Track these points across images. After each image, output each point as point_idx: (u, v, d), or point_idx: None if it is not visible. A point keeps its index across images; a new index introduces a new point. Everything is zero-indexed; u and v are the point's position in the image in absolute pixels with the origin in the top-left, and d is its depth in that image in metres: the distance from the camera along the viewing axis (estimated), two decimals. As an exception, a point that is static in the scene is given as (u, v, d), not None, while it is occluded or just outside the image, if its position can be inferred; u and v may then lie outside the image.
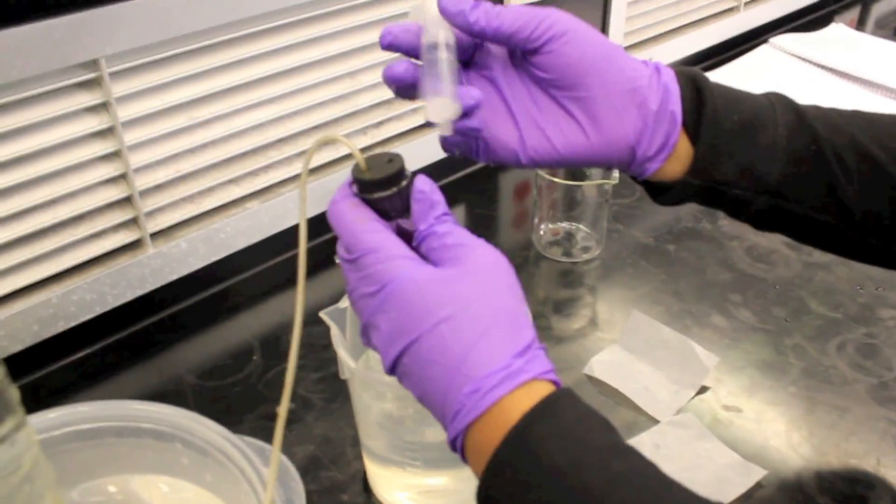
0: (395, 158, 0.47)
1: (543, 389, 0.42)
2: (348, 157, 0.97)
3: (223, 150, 0.87)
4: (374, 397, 0.63)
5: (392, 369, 0.45)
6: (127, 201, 0.82)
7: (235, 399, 0.79)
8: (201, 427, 0.56)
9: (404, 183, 0.46)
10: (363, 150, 0.48)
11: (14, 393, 0.44)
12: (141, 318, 0.87)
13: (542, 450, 0.40)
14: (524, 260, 0.99)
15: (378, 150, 0.50)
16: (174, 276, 0.87)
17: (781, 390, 0.80)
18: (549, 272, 0.97)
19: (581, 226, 1.00)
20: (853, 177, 0.55)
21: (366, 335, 0.46)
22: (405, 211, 0.47)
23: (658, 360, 0.82)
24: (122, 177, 0.80)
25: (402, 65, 0.51)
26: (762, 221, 0.58)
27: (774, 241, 1.00)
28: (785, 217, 0.57)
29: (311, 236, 1.03)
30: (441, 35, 0.49)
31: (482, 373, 0.42)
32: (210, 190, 0.88)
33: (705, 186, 0.55)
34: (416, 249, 0.46)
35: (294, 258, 1.04)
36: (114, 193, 0.80)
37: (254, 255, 0.94)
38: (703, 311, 0.90)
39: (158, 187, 0.84)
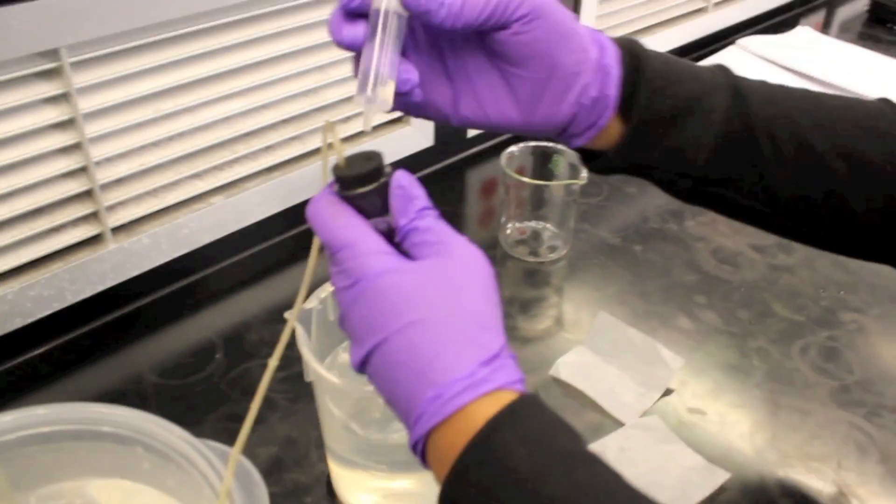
0: (374, 156, 0.46)
1: (509, 397, 0.42)
2: (317, 151, 0.96)
3: (189, 144, 0.85)
4: (338, 400, 0.62)
5: (361, 367, 0.44)
6: (87, 195, 0.80)
7: (197, 399, 0.78)
8: (163, 431, 0.55)
9: (383, 179, 0.46)
10: (331, 146, 0.47)
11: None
12: (101, 314, 0.85)
13: (506, 456, 0.40)
14: (490, 259, 0.98)
15: (350, 148, 0.49)
16: (135, 272, 0.85)
17: (746, 393, 0.81)
18: (515, 272, 0.97)
19: (548, 225, 1.00)
20: (787, 165, 0.54)
21: (342, 324, 0.46)
22: (387, 208, 0.46)
23: (624, 361, 0.82)
24: (83, 170, 0.78)
25: (348, 28, 0.48)
26: (690, 198, 0.57)
27: (740, 244, 1.01)
28: (711, 198, 0.56)
29: (277, 231, 1.04)
30: (391, 2, 0.47)
31: (446, 379, 0.41)
32: (174, 184, 0.86)
33: (631, 164, 0.55)
34: (398, 246, 0.46)
35: (260, 254, 1.04)
36: (73, 187, 0.78)
37: (218, 251, 0.92)
38: (668, 312, 0.90)
39: (120, 181, 0.82)
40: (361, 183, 0.46)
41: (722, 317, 0.90)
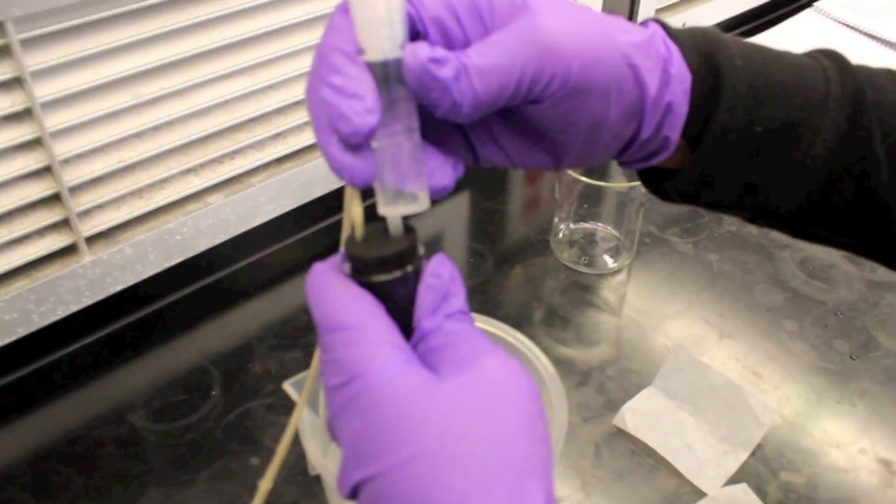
0: (408, 231, 0.34)
1: None
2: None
3: (179, 134, 0.71)
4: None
5: (350, 496, 0.32)
6: (54, 199, 0.66)
7: (188, 449, 0.65)
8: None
9: (414, 265, 0.33)
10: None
11: None
12: (75, 339, 0.72)
13: None
14: (537, 268, 0.84)
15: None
16: (117, 288, 0.71)
17: (851, 451, 0.66)
18: (566, 285, 0.82)
19: (609, 228, 0.84)
20: None
21: (331, 432, 0.33)
22: (412, 304, 0.33)
23: (703, 410, 0.68)
24: (47, 170, 0.64)
25: (356, 160, 0.33)
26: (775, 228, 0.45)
27: (833, 254, 0.85)
28: (805, 234, 0.44)
29: (288, 233, 0.88)
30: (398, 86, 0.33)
31: None
32: (162, 182, 0.72)
33: (686, 196, 0.42)
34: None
35: (267, 260, 0.89)
36: (37, 190, 0.64)
37: (217, 259, 0.78)
38: (752, 342, 0.75)
39: (95, 181, 0.67)
40: (382, 268, 0.32)
41: (816, 348, 0.75)
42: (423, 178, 0.33)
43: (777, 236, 0.87)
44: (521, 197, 0.95)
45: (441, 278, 0.33)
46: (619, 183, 0.81)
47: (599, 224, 0.85)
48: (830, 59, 0.41)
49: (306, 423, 0.46)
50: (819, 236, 0.44)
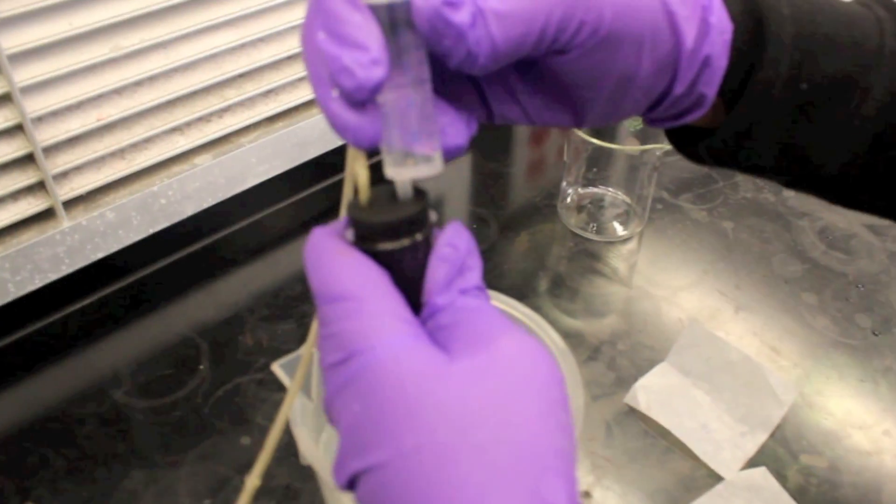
0: (418, 195, 0.30)
1: None
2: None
3: (162, 90, 0.66)
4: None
5: (347, 486, 0.29)
6: (28, 159, 0.61)
7: (174, 428, 0.61)
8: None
9: (424, 233, 0.29)
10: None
11: None
12: (53, 309, 0.68)
13: None
14: (543, 235, 0.79)
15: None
16: (99, 255, 0.67)
17: (877, 435, 0.63)
18: (573, 253, 0.78)
19: (619, 193, 0.80)
20: None
21: (328, 415, 0.30)
22: (422, 275, 0.30)
23: (720, 388, 0.64)
24: (18, 128, 0.59)
25: (360, 118, 0.29)
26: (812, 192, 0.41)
27: (853, 223, 0.81)
28: (845, 200, 0.40)
29: (280, 196, 0.83)
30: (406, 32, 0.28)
31: None
32: (145, 142, 0.67)
33: (720, 159, 0.38)
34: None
35: (257, 225, 0.84)
36: (7, 150, 0.59)
37: (205, 224, 0.74)
38: (769, 315, 0.72)
39: (72, 141, 0.63)
40: (389, 235, 0.29)
41: (837, 323, 0.71)
42: (436, 136, 0.29)
43: (795, 203, 0.83)
44: (525, 158, 0.90)
45: (457, 249, 0.29)
46: (631, 146, 0.77)
47: (609, 189, 0.81)
48: (886, 9, 0.37)
49: (297, 408, 0.42)
50: (859, 202, 0.40)
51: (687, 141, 0.39)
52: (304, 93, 0.75)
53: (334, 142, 0.78)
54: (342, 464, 0.28)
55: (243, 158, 0.73)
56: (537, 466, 0.27)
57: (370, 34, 0.27)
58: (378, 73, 0.27)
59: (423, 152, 0.28)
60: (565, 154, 0.80)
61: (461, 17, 0.27)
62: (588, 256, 0.77)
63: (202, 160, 0.71)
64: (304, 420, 0.42)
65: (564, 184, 0.80)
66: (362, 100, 0.27)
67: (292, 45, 0.72)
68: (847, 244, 0.79)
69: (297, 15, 0.71)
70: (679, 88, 0.34)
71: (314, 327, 0.33)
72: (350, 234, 0.30)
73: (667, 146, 0.72)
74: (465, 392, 0.27)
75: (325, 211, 0.81)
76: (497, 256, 0.76)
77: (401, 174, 0.29)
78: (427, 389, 0.27)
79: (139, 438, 0.60)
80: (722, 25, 0.34)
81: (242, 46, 0.69)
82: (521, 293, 0.72)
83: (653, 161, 0.75)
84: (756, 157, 0.37)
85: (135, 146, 0.67)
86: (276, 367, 0.43)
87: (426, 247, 0.29)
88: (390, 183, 0.29)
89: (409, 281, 0.29)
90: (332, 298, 0.28)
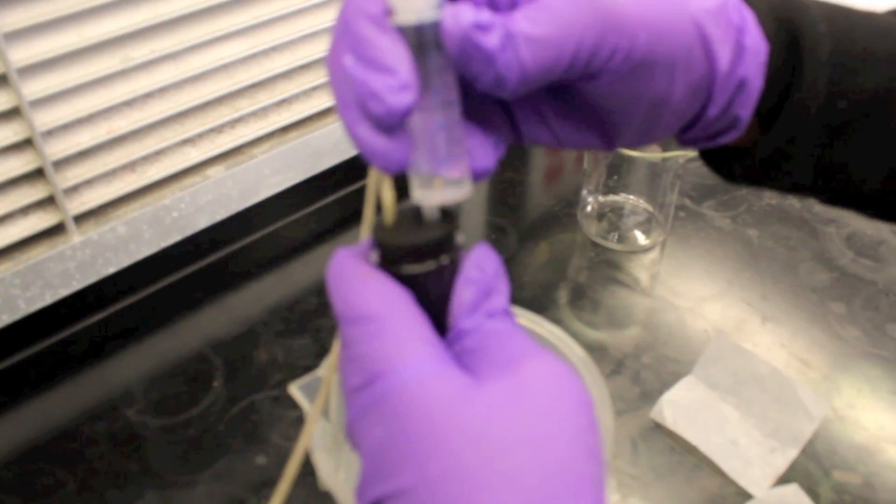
0: (448, 216, 0.29)
1: None
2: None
3: (173, 102, 0.64)
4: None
5: None
6: (37, 174, 0.60)
7: (189, 445, 0.60)
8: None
9: (451, 256, 0.28)
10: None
11: None
12: (64, 326, 0.67)
13: None
14: (563, 245, 0.78)
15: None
16: (110, 270, 0.66)
17: (912, 451, 0.61)
18: (595, 263, 0.76)
19: (641, 201, 0.78)
20: None
21: (350, 439, 0.29)
22: (448, 298, 0.29)
23: (748, 402, 0.62)
24: (27, 142, 0.58)
25: (389, 144, 0.28)
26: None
27: (882, 229, 0.79)
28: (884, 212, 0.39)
29: (294, 208, 0.81)
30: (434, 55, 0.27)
31: None
32: (156, 154, 0.66)
33: (755, 179, 0.37)
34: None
35: (272, 238, 0.83)
36: (17, 165, 0.58)
37: (218, 238, 0.73)
38: (797, 325, 0.69)
39: (82, 154, 0.62)
40: (415, 258, 0.28)
41: (868, 333, 0.69)
42: (464, 159, 0.28)
43: (821, 209, 0.81)
44: (543, 166, 0.88)
45: (484, 272, 0.29)
46: (653, 153, 0.75)
47: (631, 196, 0.79)
48: None
49: (316, 430, 0.40)
50: None
51: (721, 160, 0.38)
52: (318, 102, 0.74)
53: (349, 152, 0.77)
54: (364, 489, 0.28)
55: (256, 170, 0.71)
56: (567, 494, 0.26)
57: (399, 58, 0.26)
58: (408, 98, 0.26)
59: (452, 176, 0.28)
60: (585, 161, 0.78)
61: (491, 40, 0.26)
62: (609, 266, 0.76)
63: (214, 172, 0.69)
64: (323, 443, 0.40)
65: (584, 192, 0.79)
66: (392, 125, 0.26)
67: (305, 53, 0.71)
68: (875, 251, 0.77)
69: (309, 23, 0.70)
70: (713, 111, 0.33)
71: (334, 349, 0.32)
72: (374, 256, 0.29)
73: (690, 153, 0.71)
74: (491, 417, 0.26)
75: (341, 222, 0.79)
76: (516, 267, 0.75)
77: (428, 198, 0.28)
78: (452, 413, 0.26)
79: (152, 458, 0.59)
80: (757, 47, 0.32)
81: (254, 56, 0.68)
82: (542, 305, 0.71)
83: (675, 168, 0.73)
84: (794, 177, 0.36)
85: (146, 159, 0.66)
86: (294, 390, 0.41)
87: (453, 269, 0.28)
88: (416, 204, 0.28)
89: (436, 304, 0.28)
90: (356, 320, 0.28)
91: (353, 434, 0.28)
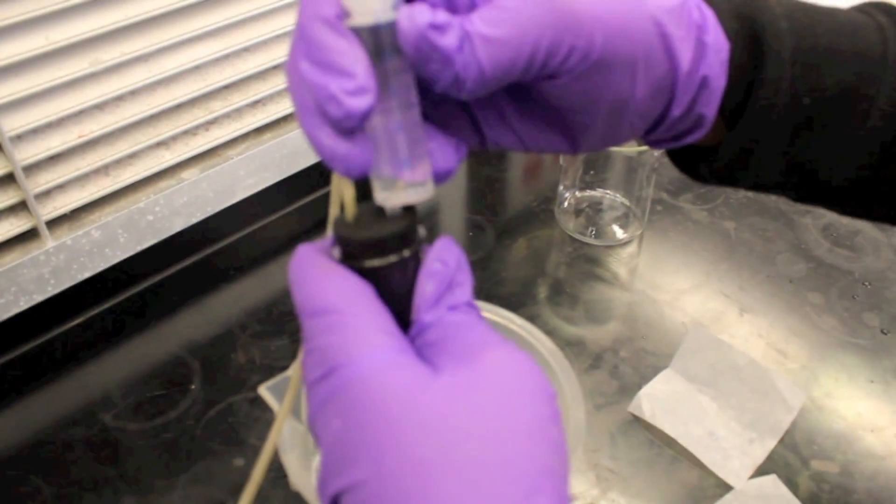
0: (405, 211, 0.29)
1: None
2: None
3: (145, 104, 0.64)
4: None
5: None
6: (8, 179, 0.60)
7: (166, 448, 0.59)
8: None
9: (412, 249, 0.28)
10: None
11: None
12: (39, 332, 0.66)
13: None
14: (541, 241, 0.78)
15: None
16: (85, 275, 0.66)
17: (890, 437, 0.61)
18: (572, 258, 0.76)
19: (618, 196, 0.78)
20: None
21: (312, 432, 0.29)
22: (411, 293, 0.29)
23: (726, 393, 0.62)
24: (-4, 148, 0.57)
25: (350, 147, 0.27)
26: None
27: (857, 221, 0.79)
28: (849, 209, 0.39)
29: (271, 209, 0.81)
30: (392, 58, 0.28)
31: None
32: (130, 158, 0.66)
33: (722, 178, 0.37)
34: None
35: (248, 239, 0.82)
36: (-14, 170, 0.57)
37: (194, 240, 0.72)
38: (774, 316, 0.70)
39: (53, 158, 0.61)
40: (376, 252, 0.28)
41: (845, 323, 0.69)
42: (426, 161, 0.28)
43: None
44: (521, 163, 0.88)
45: (446, 265, 0.28)
46: (629, 147, 0.75)
47: (608, 191, 0.79)
48: (887, 15, 0.36)
49: (286, 432, 0.40)
50: (871, 212, 0.39)
51: (689, 160, 0.38)
52: (288, 105, 0.74)
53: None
54: (325, 483, 0.27)
55: (231, 171, 0.71)
56: (524, 486, 0.25)
57: (356, 60, 0.26)
58: (366, 100, 0.26)
59: (413, 178, 0.28)
60: (561, 157, 0.78)
61: (448, 41, 0.26)
62: (587, 261, 0.76)
63: (189, 174, 0.69)
64: (292, 445, 0.40)
65: (561, 187, 0.79)
66: (351, 128, 0.26)
67: (278, 54, 0.70)
68: (852, 241, 0.78)
69: (281, 23, 0.69)
70: (677, 110, 0.33)
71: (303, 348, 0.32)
72: (337, 251, 0.29)
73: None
74: (447, 407, 0.26)
75: (317, 223, 0.79)
76: (495, 264, 0.75)
77: (390, 200, 0.28)
78: (408, 405, 0.26)
79: (130, 462, 0.59)
80: (718, 44, 0.32)
81: (227, 57, 0.68)
82: (520, 301, 0.71)
83: (651, 162, 0.74)
84: (761, 175, 0.36)
85: (119, 162, 0.65)
86: (264, 391, 0.41)
87: (415, 263, 0.28)
88: None
89: (399, 298, 0.28)
90: (315, 313, 0.28)
91: (313, 427, 0.28)
